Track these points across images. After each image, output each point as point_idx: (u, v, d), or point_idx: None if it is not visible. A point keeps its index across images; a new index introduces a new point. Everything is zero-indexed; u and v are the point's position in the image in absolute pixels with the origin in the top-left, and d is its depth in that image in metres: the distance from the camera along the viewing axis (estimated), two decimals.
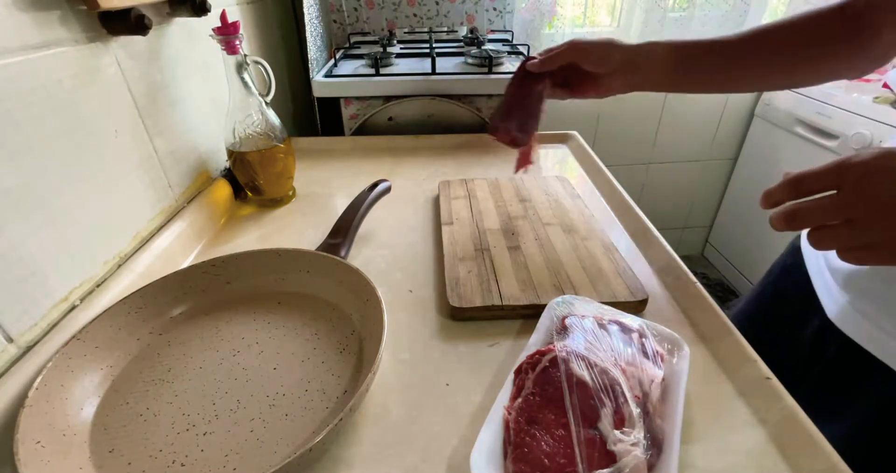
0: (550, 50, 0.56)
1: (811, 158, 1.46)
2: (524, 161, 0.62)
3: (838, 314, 0.46)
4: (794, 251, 0.57)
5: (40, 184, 0.40)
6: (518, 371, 0.38)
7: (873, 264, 0.32)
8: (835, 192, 0.31)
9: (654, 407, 0.34)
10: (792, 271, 0.56)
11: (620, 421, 0.32)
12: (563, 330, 0.40)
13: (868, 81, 1.41)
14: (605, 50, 0.53)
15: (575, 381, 0.35)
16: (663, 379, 0.37)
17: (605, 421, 0.32)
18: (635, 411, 0.33)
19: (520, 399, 0.35)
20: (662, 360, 0.38)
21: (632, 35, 1.51)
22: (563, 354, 0.37)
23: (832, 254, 0.48)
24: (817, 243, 0.32)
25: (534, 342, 0.41)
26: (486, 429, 0.34)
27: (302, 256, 0.49)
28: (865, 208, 0.29)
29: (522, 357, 0.39)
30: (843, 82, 1.46)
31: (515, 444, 0.33)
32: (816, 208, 0.31)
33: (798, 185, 0.32)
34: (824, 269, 0.50)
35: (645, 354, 0.38)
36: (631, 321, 0.41)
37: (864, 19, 0.45)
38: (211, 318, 0.47)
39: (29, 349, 0.39)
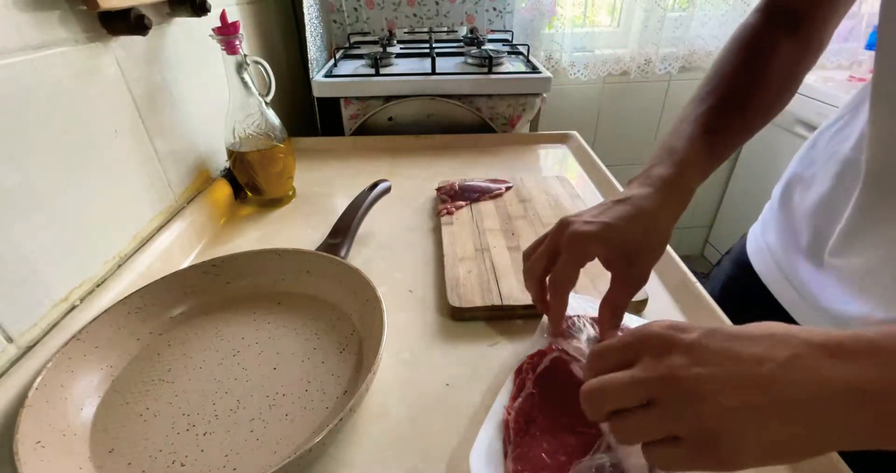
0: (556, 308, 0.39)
1: None
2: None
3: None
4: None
5: (40, 184, 0.40)
6: (518, 372, 0.38)
7: (684, 468, 0.24)
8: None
9: None
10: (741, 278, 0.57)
11: None
12: (565, 330, 0.40)
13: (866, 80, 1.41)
14: (641, 245, 0.37)
15: (576, 381, 0.35)
16: None
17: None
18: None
19: (520, 399, 0.35)
20: None
21: (631, 35, 1.51)
22: (564, 355, 0.37)
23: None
24: (621, 435, 0.26)
25: (535, 342, 0.41)
26: (485, 429, 0.34)
27: (302, 256, 0.49)
28: (661, 387, 0.24)
29: (523, 357, 0.39)
30: (843, 82, 1.46)
31: (515, 444, 0.33)
32: (609, 387, 0.26)
33: (597, 359, 0.28)
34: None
35: None
36: (632, 321, 0.41)
37: (791, 12, 0.45)
38: (211, 318, 0.47)
39: (29, 349, 0.39)
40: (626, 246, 0.36)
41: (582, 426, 0.33)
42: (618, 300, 0.37)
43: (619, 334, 0.36)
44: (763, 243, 0.55)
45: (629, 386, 0.25)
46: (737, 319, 0.46)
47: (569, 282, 0.37)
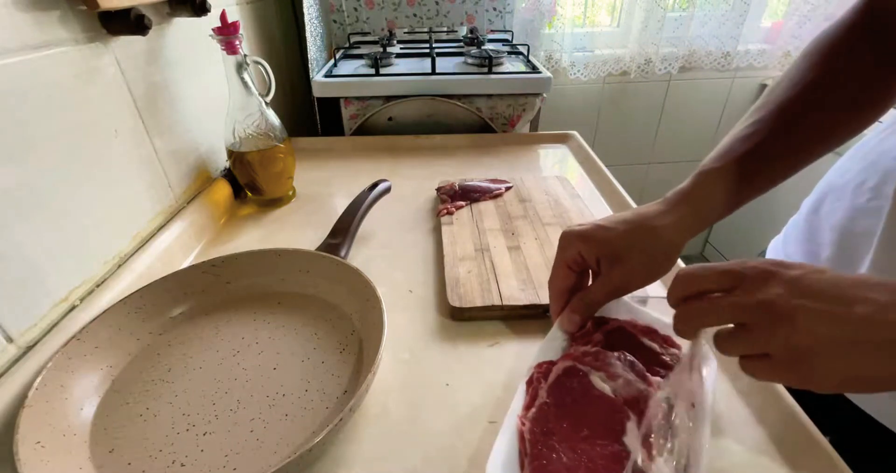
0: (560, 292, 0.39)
1: None
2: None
3: None
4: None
5: (40, 184, 0.40)
6: (530, 381, 0.36)
7: (768, 379, 0.28)
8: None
9: (682, 423, 0.32)
10: None
11: (647, 436, 0.31)
12: (586, 333, 0.39)
13: None
14: (651, 260, 0.36)
15: (594, 394, 0.34)
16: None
17: (632, 436, 0.31)
18: (663, 426, 0.31)
19: (534, 409, 0.34)
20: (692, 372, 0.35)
21: (632, 35, 1.51)
22: (580, 365, 0.36)
23: None
24: (719, 347, 0.29)
25: (551, 339, 0.39)
26: (500, 439, 0.32)
27: (302, 256, 0.49)
28: (758, 313, 0.26)
29: (536, 357, 0.38)
30: None
31: (533, 456, 0.31)
32: (709, 309, 0.28)
33: (689, 281, 0.29)
34: None
35: (671, 366, 0.36)
36: (665, 326, 0.39)
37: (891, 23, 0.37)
38: (211, 318, 0.47)
39: (29, 349, 0.39)
40: (613, 247, 0.36)
41: (602, 439, 0.31)
42: (593, 296, 0.37)
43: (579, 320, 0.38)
44: (782, 255, 0.53)
45: (729, 310, 0.27)
46: None
47: (557, 279, 0.38)
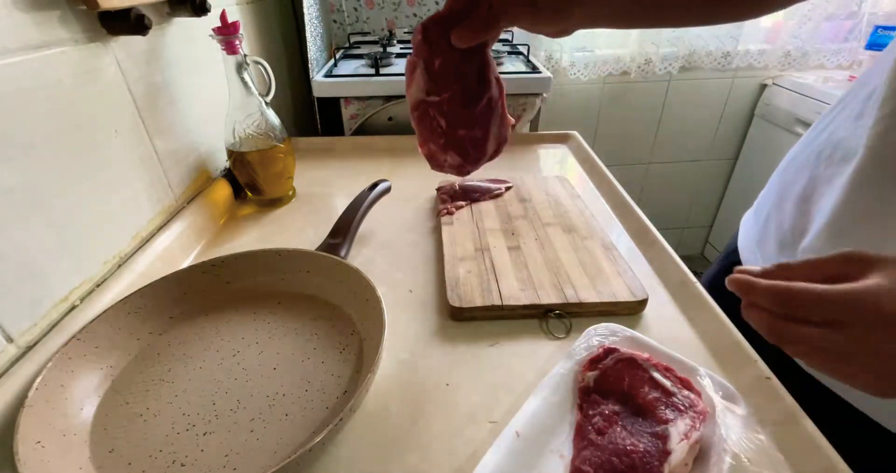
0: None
1: None
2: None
3: None
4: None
5: (41, 184, 0.40)
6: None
7: (841, 379, 0.27)
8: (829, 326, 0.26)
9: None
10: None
11: None
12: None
13: None
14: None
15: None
16: (698, 441, 0.33)
17: None
18: None
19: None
20: (703, 421, 0.34)
21: (632, 35, 1.51)
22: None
23: None
24: (800, 349, 0.27)
25: (561, 368, 0.39)
26: (493, 451, 0.32)
27: (302, 256, 0.49)
28: (864, 351, 0.25)
29: (552, 381, 0.38)
30: (843, 82, 1.46)
31: None
32: (811, 340, 0.26)
33: (789, 303, 0.27)
34: None
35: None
36: (682, 367, 0.38)
37: None
38: (211, 318, 0.47)
39: (29, 349, 0.39)
40: None
41: None
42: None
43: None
44: (750, 230, 0.55)
45: (830, 348, 0.26)
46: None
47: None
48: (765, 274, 0.28)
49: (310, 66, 0.94)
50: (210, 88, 0.68)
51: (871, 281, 0.25)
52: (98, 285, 0.46)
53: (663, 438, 0.33)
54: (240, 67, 0.60)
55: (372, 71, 0.93)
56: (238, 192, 0.71)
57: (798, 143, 0.52)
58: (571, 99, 1.60)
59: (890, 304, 0.24)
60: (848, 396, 0.43)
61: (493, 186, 0.69)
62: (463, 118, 0.38)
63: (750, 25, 1.52)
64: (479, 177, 0.72)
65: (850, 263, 0.27)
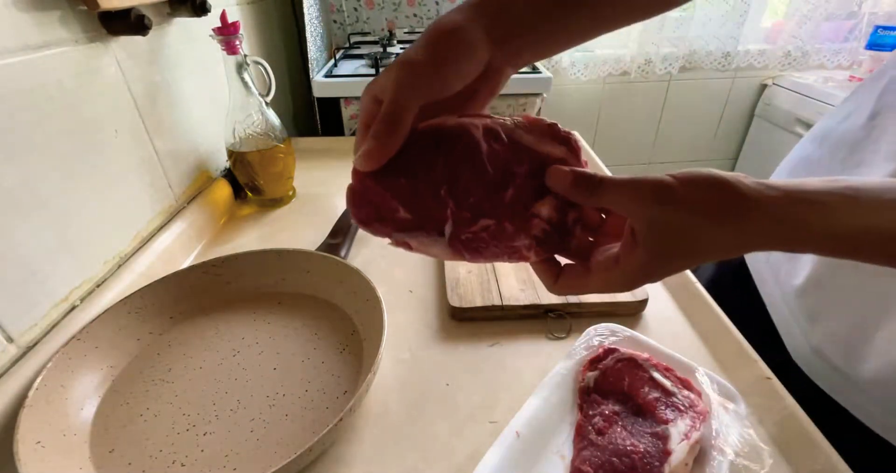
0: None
1: None
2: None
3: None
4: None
5: (41, 184, 0.40)
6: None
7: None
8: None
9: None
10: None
11: None
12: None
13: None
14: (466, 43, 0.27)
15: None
16: (698, 441, 0.33)
17: None
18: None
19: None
20: (703, 421, 0.34)
21: (632, 35, 1.51)
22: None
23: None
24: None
25: (561, 368, 0.39)
26: (493, 452, 0.32)
27: (302, 256, 0.49)
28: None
29: (552, 381, 0.37)
30: (843, 82, 1.46)
31: None
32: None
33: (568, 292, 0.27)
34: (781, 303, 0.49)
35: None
36: (682, 367, 0.38)
37: None
38: (211, 318, 0.47)
39: (29, 349, 0.39)
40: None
41: None
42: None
43: None
44: None
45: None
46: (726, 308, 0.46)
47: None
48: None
49: (310, 66, 0.94)
50: (210, 88, 0.68)
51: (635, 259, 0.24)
52: (98, 286, 0.46)
53: (664, 438, 0.33)
54: (240, 67, 0.60)
55: (372, 71, 0.93)
56: (238, 192, 0.71)
57: (805, 141, 0.51)
58: (571, 99, 1.60)
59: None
60: (848, 402, 0.42)
61: None
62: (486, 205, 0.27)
63: (750, 25, 1.52)
64: None
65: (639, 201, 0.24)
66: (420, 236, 0.27)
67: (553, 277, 0.28)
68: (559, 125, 0.27)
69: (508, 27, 0.28)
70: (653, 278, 0.25)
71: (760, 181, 0.23)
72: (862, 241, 0.23)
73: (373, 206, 0.26)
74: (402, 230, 0.27)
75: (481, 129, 0.26)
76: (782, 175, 0.53)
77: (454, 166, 0.26)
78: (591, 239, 0.28)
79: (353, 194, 0.26)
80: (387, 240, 0.27)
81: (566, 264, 0.28)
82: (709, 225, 0.23)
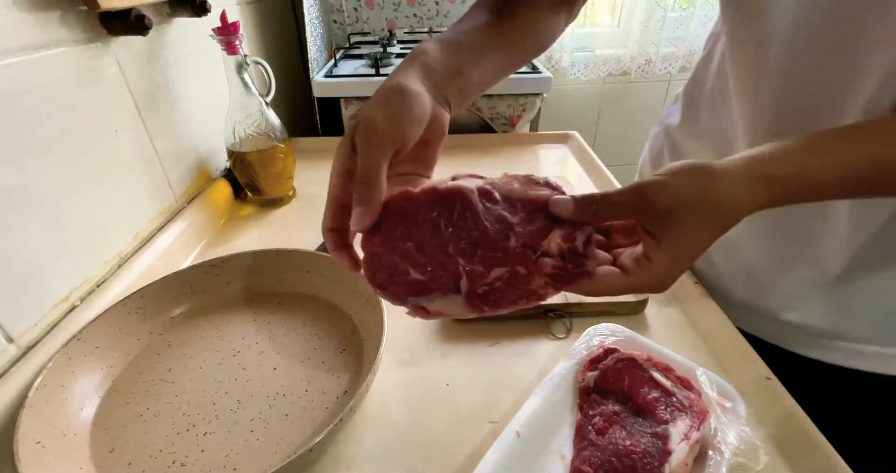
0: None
1: None
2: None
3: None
4: None
5: (41, 184, 0.40)
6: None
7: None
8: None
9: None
10: None
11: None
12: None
13: None
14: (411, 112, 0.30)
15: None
16: (698, 441, 0.33)
17: None
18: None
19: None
20: (703, 421, 0.34)
21: (632, 35, 1.51)
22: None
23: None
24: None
25: (562, 368, 0.39)
26: (492, 453, 0.32)
27: (302, 256, 0.49)
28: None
29: (552, 381, 0.37)
30: None
31: None
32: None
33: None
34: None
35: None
36: (682, 367, 0.38)
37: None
38: (211, 318, 0.47)
39: (29, 349, 0.39)
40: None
41: None
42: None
43: None
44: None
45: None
46: None
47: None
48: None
49: (310, 66, 0.94)
50: (210, 88, 0.68)
51: (657, 266, 0.27)
52: (98, 286, 0.46)
53: (663, 438, 0.33)
54: (240, 68, 0.60)
55: (372, 71, 0.93)
56: (238, 192, 0.71)
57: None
58: (571, 99, 1.60)
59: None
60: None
61: None
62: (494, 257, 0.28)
63: None
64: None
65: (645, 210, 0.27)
66: (436, 298, 0.28)
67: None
68: (533, 175, 0.30)
69: (433, 82, 0.33)
70: (689, 262, 0.28)
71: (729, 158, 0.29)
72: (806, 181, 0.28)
73: (386, 270, 0.28)
74: (417, 294, 0.28)
75: (476, 190, 0.28)
76: None
77: (457, 225, 0.28)
78: (607, 254, 0.30)
79: (367, 260, 0.29)
80: (405, 309, 0.29)
81: (602, 272, 0.29)
82: (704, 201, 0.27)
